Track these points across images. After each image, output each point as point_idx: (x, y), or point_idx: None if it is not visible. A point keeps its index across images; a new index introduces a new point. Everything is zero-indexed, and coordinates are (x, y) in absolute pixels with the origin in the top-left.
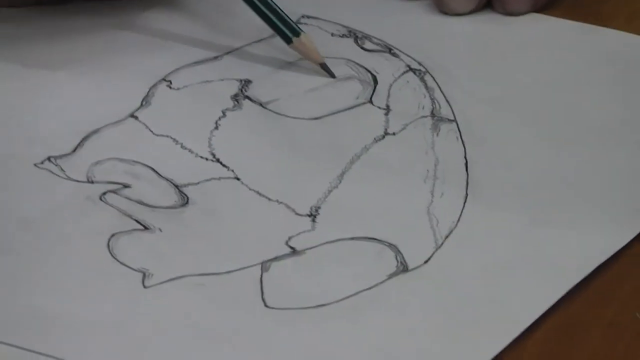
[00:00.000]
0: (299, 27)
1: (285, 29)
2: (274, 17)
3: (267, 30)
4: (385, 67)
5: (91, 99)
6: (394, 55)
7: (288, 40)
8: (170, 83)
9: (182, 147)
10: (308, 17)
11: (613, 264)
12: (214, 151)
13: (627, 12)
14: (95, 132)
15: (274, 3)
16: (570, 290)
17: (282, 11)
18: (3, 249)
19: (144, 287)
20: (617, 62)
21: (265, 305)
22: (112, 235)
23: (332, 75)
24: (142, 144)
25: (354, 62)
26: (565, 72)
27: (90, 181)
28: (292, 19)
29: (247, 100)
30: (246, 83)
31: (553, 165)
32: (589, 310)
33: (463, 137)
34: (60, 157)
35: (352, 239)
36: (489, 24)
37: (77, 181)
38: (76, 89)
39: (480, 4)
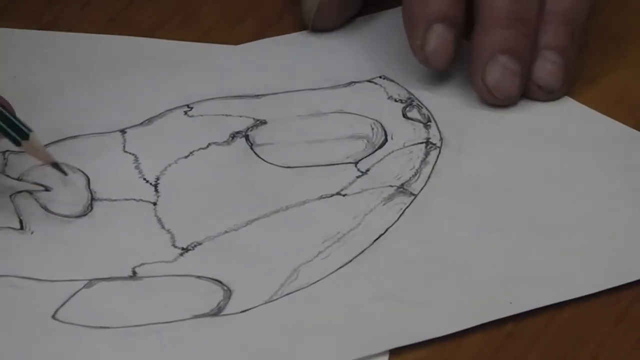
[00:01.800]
0: (27, 128)
1: (14, 132)
2: (2, 120)
3: (329, 81)
4: (404, 135)
5: (99, 108)
6: (426, 127)
7: (17, 143)
8: (190, 109)
9: (137, 166)
10: (385, 78)
11: (573, 325)
12: (161, 176)
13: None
14: (73, 137)
15: (3, 107)
16: (532, 353)
17: (12, 114)
18: None
19: None
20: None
21: (53, 317)
22: None
23: (65, 173)
24: (105, 157)
25: (380, 124)
26: (574, 167)
27: (20, 179)
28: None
29: (243, 138)
30: (259, 124)
31: (462, 259)
32: None
33: (408, 212)
34: (17, 152)
35: (198, 277)
36: (533, 113)
37: (9, 177)
38: (93, 96)
39: (455, 56)
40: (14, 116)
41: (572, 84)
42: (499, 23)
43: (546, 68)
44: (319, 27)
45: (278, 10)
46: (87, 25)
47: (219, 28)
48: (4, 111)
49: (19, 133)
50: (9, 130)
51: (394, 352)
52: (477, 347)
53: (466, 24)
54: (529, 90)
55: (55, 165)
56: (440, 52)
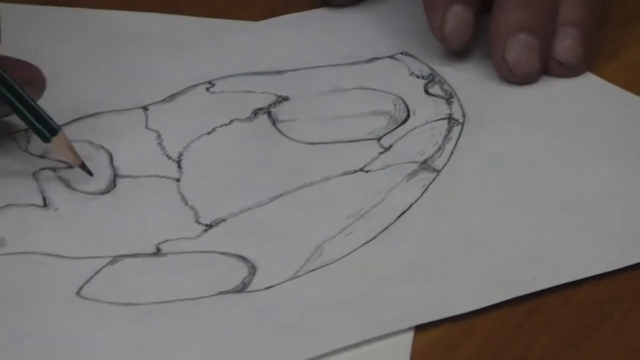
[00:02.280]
0: (56, 125)
1: (43, 127)
2: (31, 115)
3: (350, 57)
4: (426, 111)
5: (120, 84)
6: (448, 102)
7: (46, 140)
8: (212, 86)
9: (159, 143)
10: (407, 54)
11: (591, 305)
12: (184, 152)
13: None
14: (94, 115)
15: (34, 101)
16: (549, 332)
17: (42, 110)
18: None
19: None
20: None
21: (77, 294)
22: (6, 206)
23: (90, 174)
24: (128, 134)
25: (402, 100)
26: (596, 143)
27: (42, 156)
28: (51, 118)
29: (266, 115)
30: (281, 100)
31: (491, 236)
32: (568, 351)
33: (432, 188)
34: None
35: (223, 253)
36: (555, 89)
37: (31, 154)
38: (114, 73)
39: (474, 36)
40: (44, 112)
41: (594, 59)
42: (517, 1)
43: (566, 44)
44: (337, 2)
45: None
46: (107, 0)
47: (237, 3)
48: (35, 106)
49: (48, 130)
50: (38, 126)
51: (415, 327)
52: (498, 323)
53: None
54: (549, 68)
55: (83, 167)
56: (459, 32)
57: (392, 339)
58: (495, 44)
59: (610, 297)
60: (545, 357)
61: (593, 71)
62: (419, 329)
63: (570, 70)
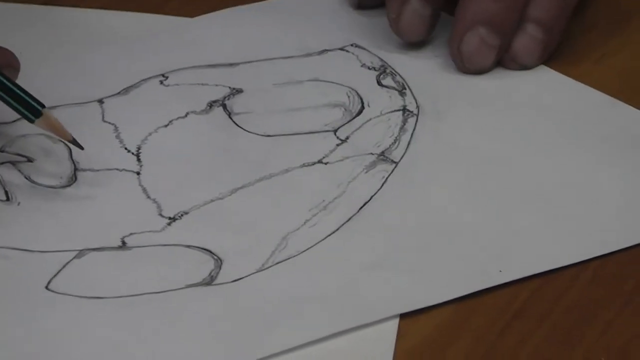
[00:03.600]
0: (40, 104)
1: (27, 109)
2: (12, 98)
3: (301, 49)
4: (381, 103)
5: (74, 78)
6: (401, 94)
7: (31, 120)
8: (166, 79)
9: (117, 136)
10: (356, 46)
11: (580, 306)
12: (142, 145)
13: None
14: (51, 108)
15: (14, 83)
16: (538, 333)
17: (23, 90)
18: None
19: None
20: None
21: (46, 288)
22: None
23: (81, 148)
24: (85, 127)
25: (356, 92)
26: (553, 133)
27: (1, 150)
28: (33, 97)
29: (221, 107)
30: (235, 92)
31: (446, 229)
32: (557, 352)
33: (391, 179)
34: None
35: (188, 246)
36: (508, 79)
37: None
38: (67, 67)
39: (430, 31)
40: (26, 92)
41: (549, 57)
42: None
43: (524, 44)
44: None
45: None
46: None
47: None
48: (14, 88)
49: (32, 109)
50: (28, 99)
51: (406, 316)
52: (482, 327)
53: None
54: (502, 59)
55: (74, 142)
56: (413, 26)
57: (374, 343)
58: (455, 32)
59: (600, 298)
60: (537, 355)
61: (577, 77)
62: (406, 316)
63: (521, 69)
